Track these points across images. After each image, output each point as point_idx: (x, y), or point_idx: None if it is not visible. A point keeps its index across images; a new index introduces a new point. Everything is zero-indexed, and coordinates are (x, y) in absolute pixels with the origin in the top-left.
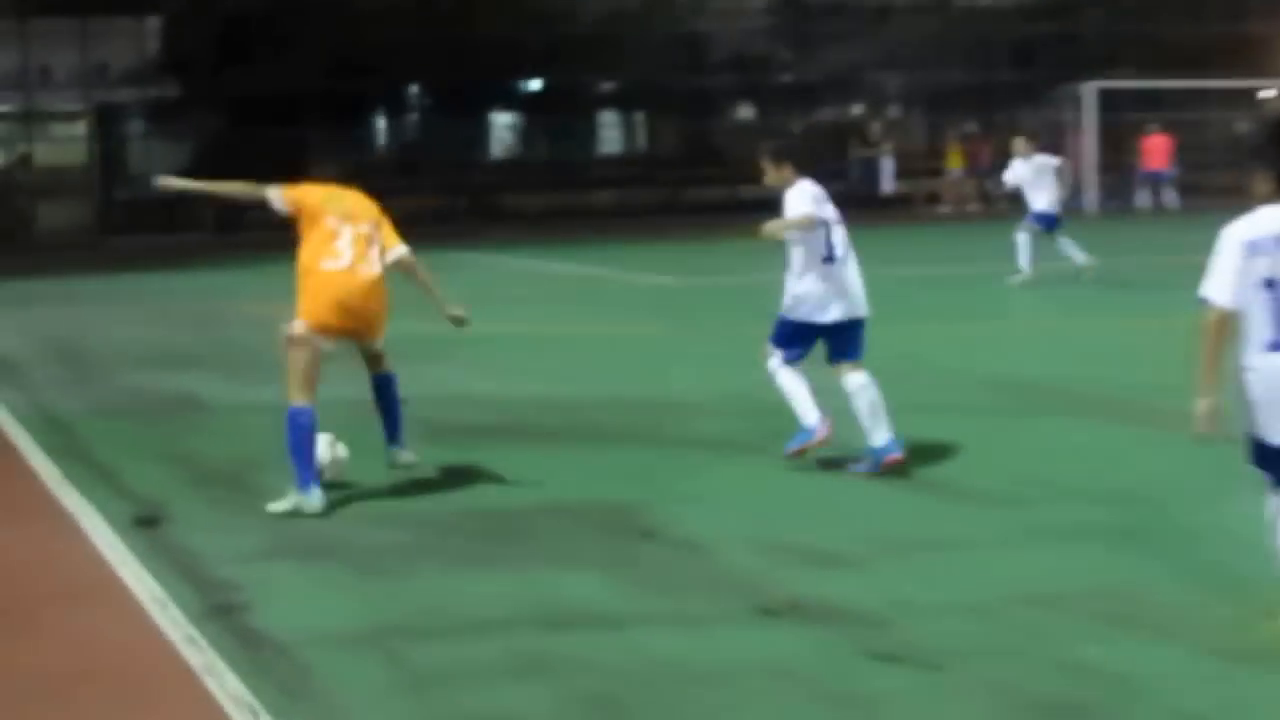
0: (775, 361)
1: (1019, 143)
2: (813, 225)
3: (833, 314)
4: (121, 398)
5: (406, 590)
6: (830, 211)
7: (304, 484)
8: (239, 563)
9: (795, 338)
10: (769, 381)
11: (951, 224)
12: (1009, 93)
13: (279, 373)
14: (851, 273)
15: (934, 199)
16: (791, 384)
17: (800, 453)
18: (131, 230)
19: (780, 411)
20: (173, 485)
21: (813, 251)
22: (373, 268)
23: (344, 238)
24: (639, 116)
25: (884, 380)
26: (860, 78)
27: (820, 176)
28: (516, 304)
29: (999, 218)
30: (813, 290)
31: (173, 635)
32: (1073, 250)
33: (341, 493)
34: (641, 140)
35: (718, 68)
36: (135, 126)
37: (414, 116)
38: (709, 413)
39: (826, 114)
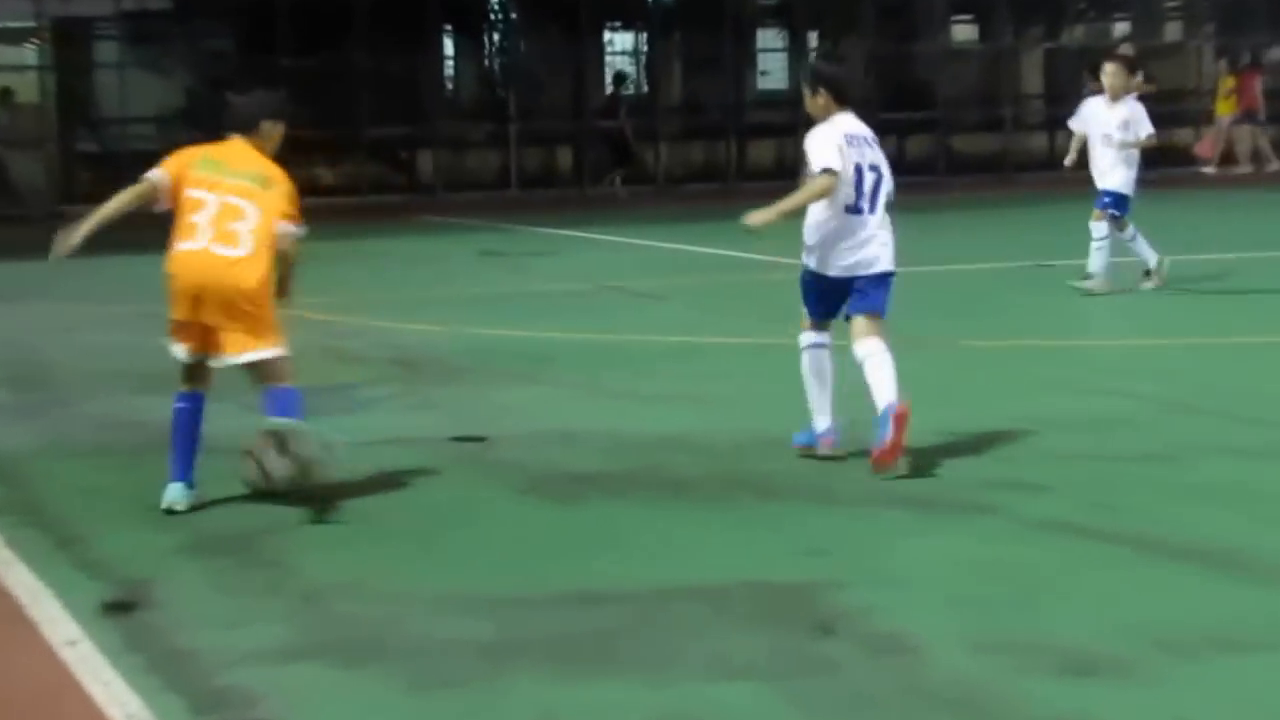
0: (805, 337)
1: (1114, 72)
2: (825, 193)
3: (845, 268)
4: (88, 431)
5: (485, 704)
6: (867, 155)
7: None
8: (249, 664)
9: (815, 293)
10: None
11: (1239, 191)
12: None
13: (309, 397)
14: (882, 232)
15: (1229, 158)
16: (811, 374)
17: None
18: (100, 196)
19: (1011, 459)
20: (159, 555)
21: (836, 199)
22: (237, 248)
23: (206, 210)
24: (811, 38)
25: (1167, 415)
26: None
27: (1055, 124)
28: (641, 302)
29: None
30: (829, 240)
31: None
32: (1145, 250)
33: (395, 567)
34: None
35: None
36: (107, 51)
37: (497, 37)
38: (917, 457)
39: (1077, 35)
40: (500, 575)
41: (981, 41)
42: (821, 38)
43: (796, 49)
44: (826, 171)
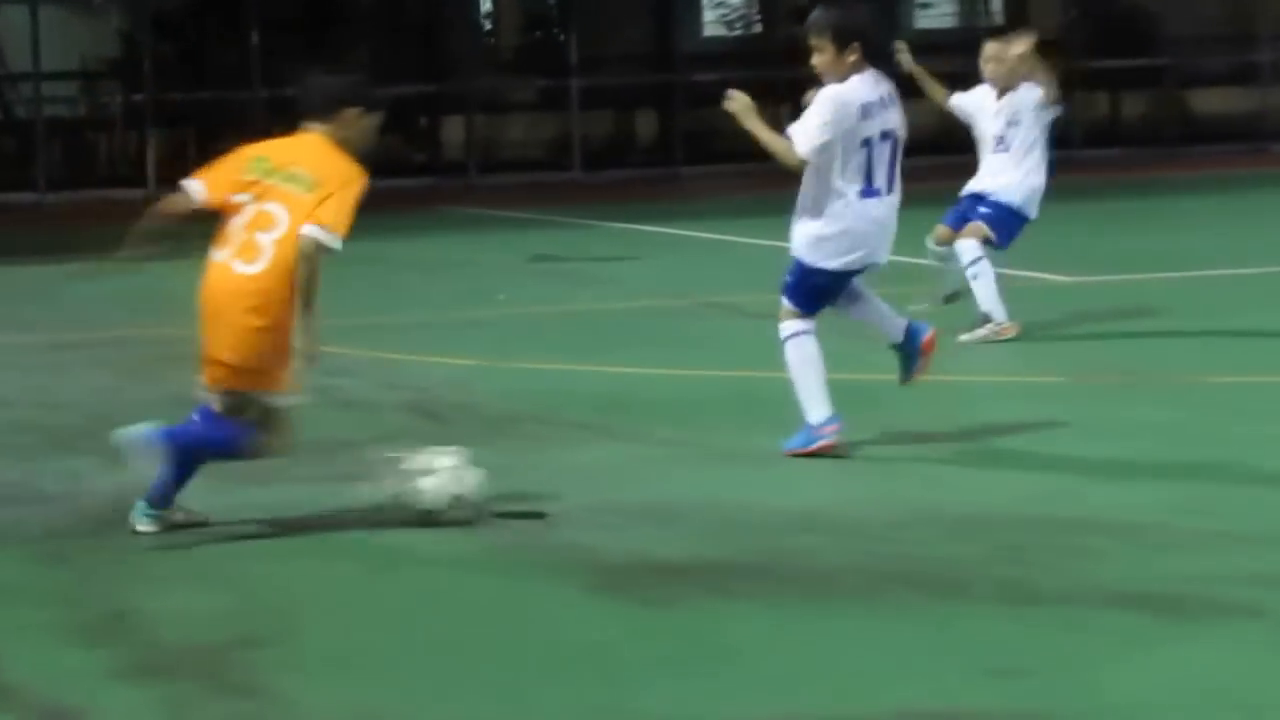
0: (792, 325)
1: (993, 56)
2: (782, 158)
3: (856, 261)
4: None
5: None
6: (877, 123)
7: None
8: None
9: (817, 291)
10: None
11: None
12: None
13: (310, 459)
14: (892, 216)
15: None
16: (803, 362)
17: (800, 455)
18: (18, 180)
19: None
20: (92, 677)
21: (844, 179)
22: (256, 262)
23: (243, 216)
24: None
25: None
26: None
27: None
28: (757, 324)
29: None
30: (843, 232)
31: None
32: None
33: (419, 694)
34: (995, 6)
35: None
36: None
37: None
38: (1153, 540)
39: None
40: (566, 703)
41: None
42: None
43: None
44: (799, 154)
